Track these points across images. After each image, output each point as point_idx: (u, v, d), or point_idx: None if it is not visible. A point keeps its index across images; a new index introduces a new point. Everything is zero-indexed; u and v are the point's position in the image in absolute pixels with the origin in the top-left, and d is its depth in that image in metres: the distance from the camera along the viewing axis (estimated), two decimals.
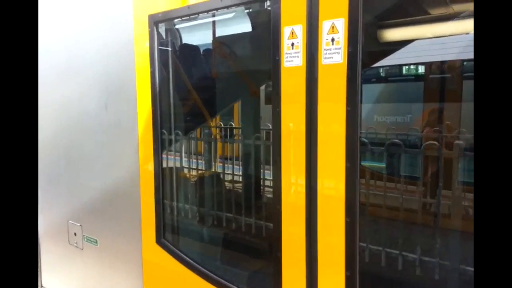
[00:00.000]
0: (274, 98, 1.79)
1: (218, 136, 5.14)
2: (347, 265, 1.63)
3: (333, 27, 1.58)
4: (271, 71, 1.80)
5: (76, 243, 3.07)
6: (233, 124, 5.96)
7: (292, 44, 1.71)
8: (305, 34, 1.66)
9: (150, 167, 2.43)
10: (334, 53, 1.59)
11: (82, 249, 3.02)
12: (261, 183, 4.21)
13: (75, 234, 3.07)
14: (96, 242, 2.89)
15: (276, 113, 1.79)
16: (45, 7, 3.07)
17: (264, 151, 3.88)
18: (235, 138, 5.15)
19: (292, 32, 1.70)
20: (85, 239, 2.98)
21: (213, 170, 4.49)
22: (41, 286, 3.51)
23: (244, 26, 3.05)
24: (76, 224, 3.04)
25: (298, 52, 1.69)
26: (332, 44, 1.59)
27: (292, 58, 1.71)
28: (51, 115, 3.20)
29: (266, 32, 1.87)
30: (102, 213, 2.82)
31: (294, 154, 1.75)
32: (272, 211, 1.89)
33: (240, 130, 4.80)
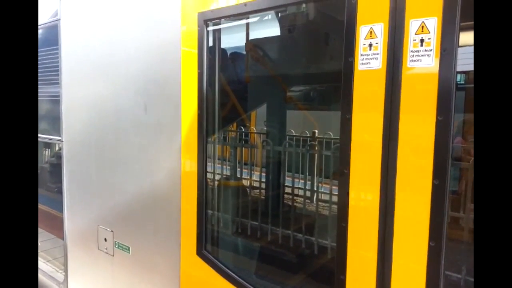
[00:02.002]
0: (344, 104, 1.63)
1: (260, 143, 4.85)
2: None
3: (422, 26, 1.41)
4: (342, 74, 1.63)
5: (106, 249, 2.94)
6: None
7: (370, 45, 1.54)
8: (387, 33, 1.50)
9: (193, 173, 2.28)
10: (423, 56, 1.41)
11: (113, 255, 2.88)
12: (315, 195, 3.95)
13: (105, 239, 2.94)
14: (129, 249, 2.74)
15: (346, 120, 1.63)
16: (85, 3, 2.98)
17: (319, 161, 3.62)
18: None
19: (371, 32, 1.54)
20: (117, 246, 2.84)
21: (259, 179, 4.23)
22: None
23: (308, 25, 2.84)
24: (107, 229, 2.91)
25: (377, 54, 1.52)
26: (421, 45, 1.42)
27: (369, 60, 1.55)
28: (83, 115, 3.09)
29: (335, 31, 1.71)
30: (136, 219, 2.68)
31: (367, 167, 1.57)
32: (335, 229, 1.71)
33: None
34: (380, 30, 1.51)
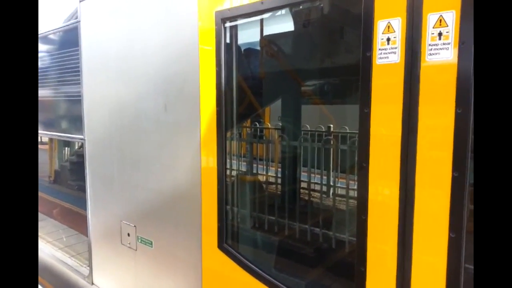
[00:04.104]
0: (362, 98, 1.65)
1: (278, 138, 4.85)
2: None
3: (440, 20, 1.42)
4: (360, 68, 1.65)
5: (129, 243, 3.03)
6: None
7: (388, 39, 1.56)
8: (405, 28, 1.51)
9: (213, 169, 2.33)
10: (441, 49, 1.42)
11: (136, 250, 2.97)
12: (331, 190, 3.96)
13: (128, 234, 3.03)
14: (151, 243, 2.83)
15: (364, 114, 1.65)
16: (103, 5, 3.06)
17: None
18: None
19: (388, 26, 1.55)
20: (139, 240, 2.93)
21: (278, 174, 4.24)
22: (92, 283, 3.50)
23: (324, 19, 2.84)
24: (130, 224, 3.00)
25: (395, 48, 1.54)
26: (439, 39, 1.43)
27: (387, 54, 1.56)
28: (104, 114, 3.18)
29: (350, 25, 1.73)
30: (158, 214, 2.76)
31: (386, 160, 1.59)
32: (355, 222, 1.74)
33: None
34: (398, 24, 1.53)
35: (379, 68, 1.59)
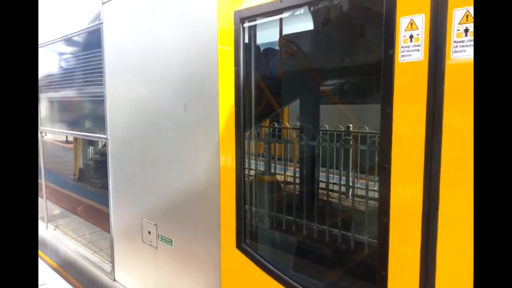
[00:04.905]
0: (384, 97, 1.61)
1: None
2: None
3: (467, 16, 1.37)
4: (382, 66, 1.61)
5: (150, 241, 3.08)
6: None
7: (411, 36, 1.51)
8: (429, 24, 1.46)
9: (232, 168, 2.34)
10: (467, 46, 1.37)
11: (156, 248, 3.02)
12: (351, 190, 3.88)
13: (149, 232, 3.08)
14: (171, 242, 2.86)
15: (386, 114, 1.60)
16: (125, 7, 3.11)
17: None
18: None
19: (411, 23, 1.51)
20: (160, 238, 2.97)
21: (299, 174, 4.20)
22: (114, 280, 3.58)
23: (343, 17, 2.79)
24: (151, 222, 3.05)
25: (419, 45, 1.49)
26: (466, 35, 1.37)
27: (410, 52, 1.52)
28: (126, 114, 3.24)
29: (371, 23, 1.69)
30: (178, 213, 2.79)
31: (409, 161, 1.55)
32: (372, 224, 1.70)
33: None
34: (421, 21, 1.48)
35: (401, 66, 1.55)
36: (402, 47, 1.54)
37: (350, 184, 4.15)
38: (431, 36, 1.45)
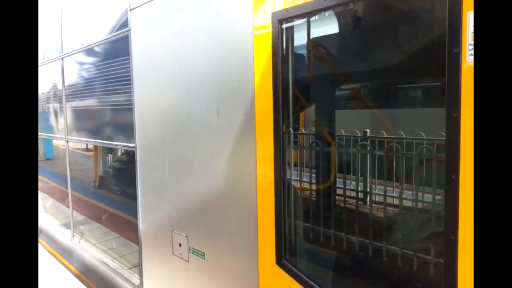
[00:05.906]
0: (450, 101, 1.44)
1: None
2: None
3: None
4: (447, 66, 1.45)
5: (180, 254, 2.96)
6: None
7: None
8: None
9: (270, 178, 2.20)
10: None
11: (188, 261, 2.90)
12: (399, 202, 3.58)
13: (180, 244, 2.97)
14: (204, 255, 2.74)
15: (453, 119, 1.44)
16: (154, 13, 3.05)
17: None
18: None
19: None
20: (191, 251, 2.85)
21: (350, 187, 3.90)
22: None
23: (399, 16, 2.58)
24: (182, 234, 2.93)
25: None
26: None
27: None
28: (155, 122, 3.16)
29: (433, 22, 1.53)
30: (211, 225, 2.66)
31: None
32: (441, 243, 1.53)
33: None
34: None
35: (470, 65, 1.39)
36: (469, 44, 1.39)
37: (397, 195, 3.80)
38: None
